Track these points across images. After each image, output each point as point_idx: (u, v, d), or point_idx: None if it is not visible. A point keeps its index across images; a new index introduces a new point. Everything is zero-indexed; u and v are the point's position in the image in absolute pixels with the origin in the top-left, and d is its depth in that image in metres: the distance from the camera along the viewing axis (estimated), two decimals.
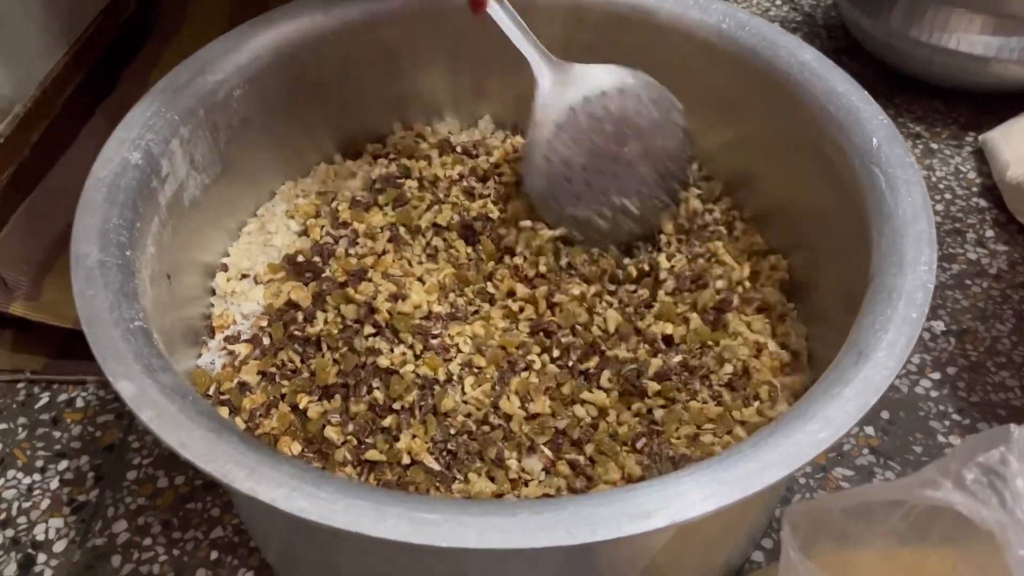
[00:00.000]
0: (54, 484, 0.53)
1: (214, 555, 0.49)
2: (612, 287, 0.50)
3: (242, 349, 0.48)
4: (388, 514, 0.29)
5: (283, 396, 0.46)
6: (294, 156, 0.56)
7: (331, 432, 0.43)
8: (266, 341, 0.47)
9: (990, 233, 0.68)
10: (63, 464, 0.54)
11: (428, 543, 0.28)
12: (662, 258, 0.51)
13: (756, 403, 0.45)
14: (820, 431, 0.32)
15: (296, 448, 0.44)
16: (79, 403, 0.56)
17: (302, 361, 0.46)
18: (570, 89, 0.48)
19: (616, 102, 0.49)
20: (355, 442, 0.43)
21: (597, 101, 0.48)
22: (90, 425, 0.55)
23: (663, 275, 0.50)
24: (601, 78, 0.49)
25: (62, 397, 0.57)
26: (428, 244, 0.52)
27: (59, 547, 0.50)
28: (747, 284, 0.51)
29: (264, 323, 0.48)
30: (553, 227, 0.50)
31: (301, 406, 0.44)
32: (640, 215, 0.52)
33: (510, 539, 0.29)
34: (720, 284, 0.50)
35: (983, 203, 0.70)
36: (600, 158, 0.49)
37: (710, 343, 0.47)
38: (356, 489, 0.31)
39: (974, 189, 0.72)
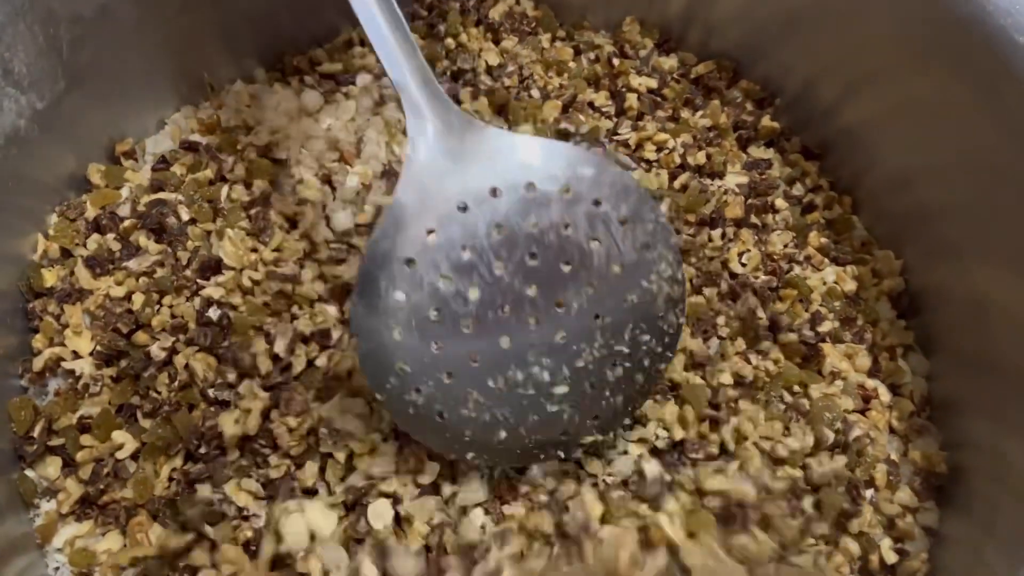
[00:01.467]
0: None
1: None
2: None
3: (86, 367, 0.31)
4: None
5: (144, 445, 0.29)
6: (191, 69, 0.39)
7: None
8: (123, 362, 0.31)
9: None
10: None
11: None
12: (732, 255, 0.35)
13: (871, 493, 0.29)
14: None
15: (155, 533, 0.28)
16: None
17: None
18: (470, 168, 0.28)
19: (553, 210, 0.28)
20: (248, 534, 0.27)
21: (516, 200, 0.27)
22: None
23: (726, 283, 0.33)
24: (532, 158, 0.28)
25: None
26: None
27: None
28: (846, 297, 0.35)
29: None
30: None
31: (162, 473, 0.28)
32: (573, 411, 0.29)
33: None
34: (814, 299, 0.34)
35: None
36: (506, 305, 0.28)
37: (797, 389, 0.31)
38: None
39: None
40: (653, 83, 0.41)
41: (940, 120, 0.34)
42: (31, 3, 0.31)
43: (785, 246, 0.37)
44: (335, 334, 0.32)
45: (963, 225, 0.34)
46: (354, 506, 0.28)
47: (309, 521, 0.28)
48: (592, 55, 0.42)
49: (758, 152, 0.40)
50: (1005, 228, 0.31)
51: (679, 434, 0.30)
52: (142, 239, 0.34)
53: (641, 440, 0.30)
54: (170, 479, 0.30)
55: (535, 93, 0.40)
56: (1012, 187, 0.31)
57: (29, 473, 0.31)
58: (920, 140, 0.36)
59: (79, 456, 0.30)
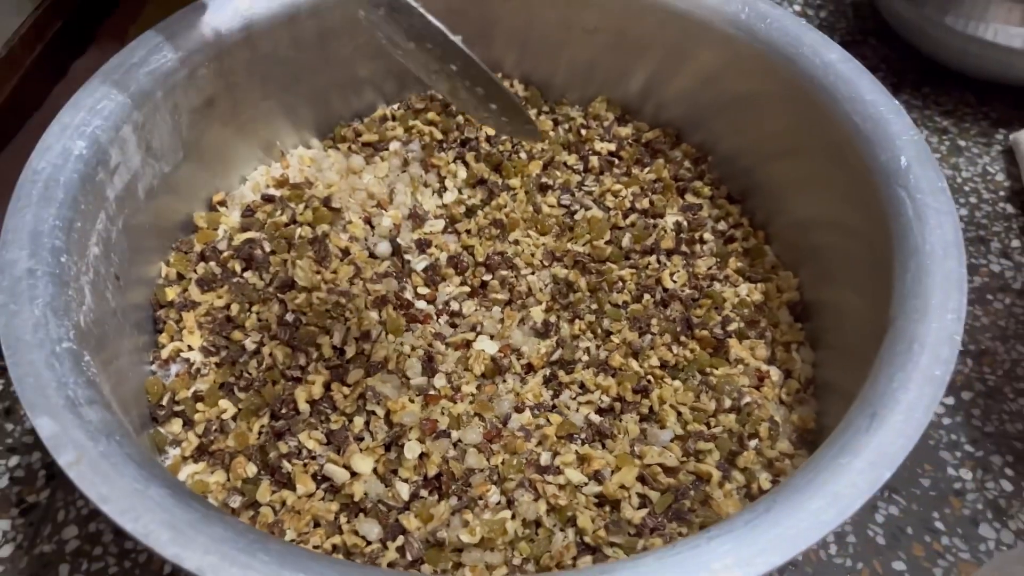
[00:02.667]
0: (3, 482, 0.49)
1: (167, 568, 0.46)
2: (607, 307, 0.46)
3: (197, 356, 0.44)
4: None
5: (240, 409, 0.42)
6: (268, 139, 0.52)
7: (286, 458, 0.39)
8: (224, 352, 0.43)
9: (1016, 243, 0.63)
10: (13, 460, 0.50)
11: None
12: (664, 275, 0.47)
13: (755, 441, 0.41)
14: (825, 509, 0.29)
15: (251, 470, 0.40)
16: None
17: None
18: None
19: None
20: (315, 468, 0.40)
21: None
22: None
23: (659, 295, 0.46)
24: None
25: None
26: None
27: (5, 552, 0.47)
28: (753, 306, 0.46)
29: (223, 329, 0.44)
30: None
31: (254, 428, 0.40)
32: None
33: None
34: (726, 306, 0.46)
35: (1010, 209, 0.66)
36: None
37: (708, 370, 0.43)
38: (294, 557, 0.27)
39: (1001, 193, 0.67)
40: (612, 147, 0.53)
41: (825, 187, 0.46)
42: (164, 99, 0.44)
43: (709, 268, 0.49)
44: (374, 333, 0.44)
45: (837, 259, 0.46)
46: (390, 447, 0.41)
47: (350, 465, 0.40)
48: (567, 125, 0.55)
49: (692, 198, 0.52)
50: (856, 265, 0.43)
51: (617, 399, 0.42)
52: (236, 266, 0.47)
53: (589, 403, 0.42)
54: (260, 432, 0.42)
55: (523, 155, 0.53)
56: (863, 240, 0.42)
57: (161, 430, 0.43)
58: (811, 196, 0.48)
59: (195, 417, 0.42)
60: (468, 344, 0.45)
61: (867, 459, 0.30)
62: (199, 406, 0.43)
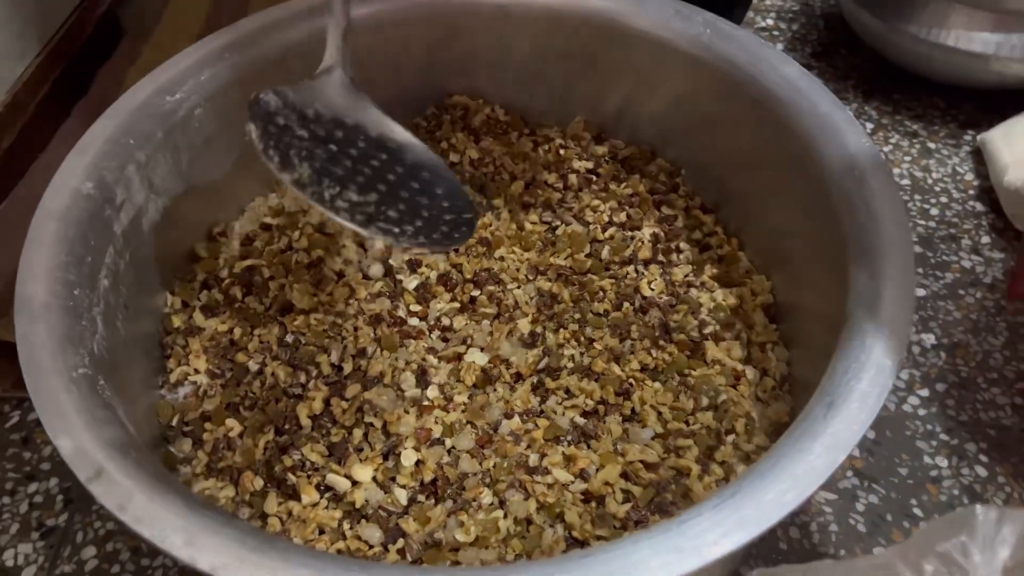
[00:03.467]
0: (23, 507, 0.52)
1: None
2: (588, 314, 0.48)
3: (204, 379, 0.46)
4: None
5: (246, 429, 0.44)
6: (263, 172, 0.55)
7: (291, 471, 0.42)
8: (229, 373, 0.46)
9: (986, 239, 0.66)
10: (32, 487, 0.53)
11: None
12: (643, 283, 0.50)
13: (732, 436, 0.44)
14: (787, 491, 0.31)
15: (259, 484, 0.43)
16: None
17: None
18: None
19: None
20: (319, 479, 0.42)
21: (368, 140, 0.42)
22: None
23: (638, 302, 0.48)
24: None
25: (32, 416, 0.56)
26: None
27: (28, 574, 0.49)
28: (729, 310, 0.49)
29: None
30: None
31: (259, 444, 0.43)
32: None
33: None
34: (702, 311, 0.48)
35: (980, 207, 0.68)
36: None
37: (687, 372, 0.46)
38: (299, 555, 0.30)
39: (971, 192, 0.69)
40: (590, 165, 0.56)
41: (789, 195, 0.48)
42: (164, 139, 0.47)
43: (685, 276, 0.51)
44: (369, 350, 0.47)
45: (804, 263, 0.48)
46: (387, 456, 0.43)
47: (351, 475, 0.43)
48: (547, 146, 0.58)
49: (667, 210, 0.55)
50: (819, 268, 0.46)
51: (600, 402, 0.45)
52: (237, 292, 0.50)
53: (574, 407, 0.45)
54: (265, 448, 0.44)
55: (505, 176, 0.56)
56: (823, 243, 0.44)
57: (172, 449, 0.45)
58: (778, 204, 0.50)
59: (204, 436, 0.44)
60: (459, 356, 0.47)
61: (824, 444, 0.32)
62: (207, 425, 0.45)
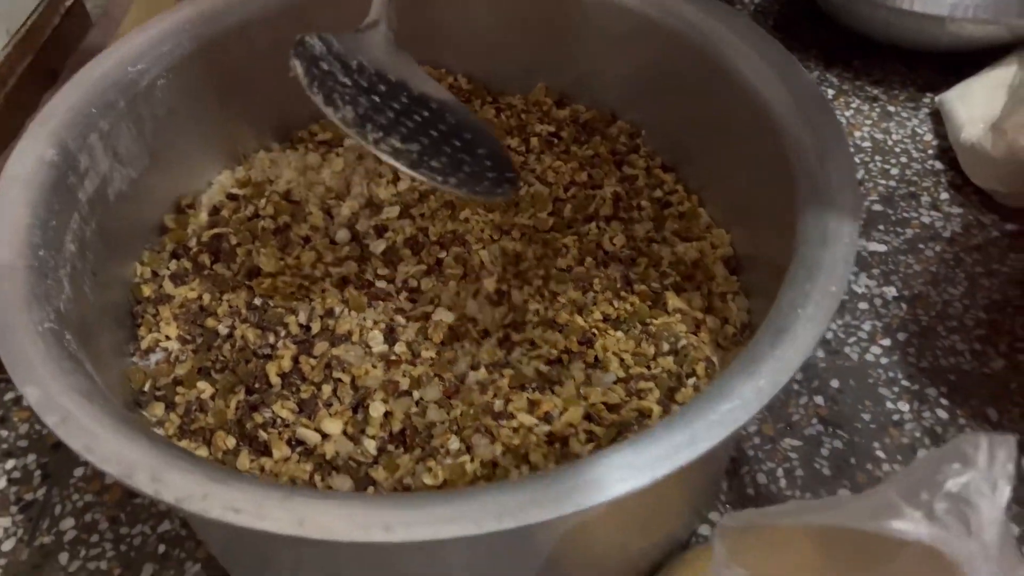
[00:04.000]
0: (1, 483, 0.52)
1: (161, 548, 0.49)
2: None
3: (175, 345, 0.47)
4: (281, 509, 0.29)
5: (217, 391, 0.45)
6: (230, 144, 0.55)
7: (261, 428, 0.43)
8: (199, 339, 0.47)
9: (944, 196, 0.67)
10: (10, 463, 0.53)
11: (323, 537, 0.28)
12: (604, 239, 0.51)
13: (693, 379, 0.45)
14: (735, 410, 0.32)
15: (231, 443, 0.44)
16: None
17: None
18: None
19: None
20: (290, 434, 0.43)
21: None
22: (37, 423, 0.55)
23: (600, 257, 0.49)
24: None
25: (9, 396, 0.56)
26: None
27: (7, 546, 0.50)
28: (690, 263, 0.50)
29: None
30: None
31: (231, 404, 0.44)
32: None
33: (415, 532, 0.29)
34: (663, 264, 0.49)
35: (939, 165, 0.70)
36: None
37: (648, 321, 0.47)
38: (264, 486, 0.30)
39: (930, 152, 0.71)
40: (552, 128, 0.57)
41: (748, 151, 0.49)
42: (128, 111, 0.48)
43: (647, 232, 0.52)
44: (337, 310, 0.48)
45: (762, 215, 0.49)
46: (356, 409, 0.44)
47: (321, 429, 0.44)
48: (508, 112, 0.59)
49: (628, 170, 0.56)
50: (775, 218, 0.47)
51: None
52: (206, 259, 0.50)
53: (539, 356, 0.46)
54: (236, 408, 0.45)
55: None
56: (777, 193, 0.45)
57: (144, 413, 0.46)
58: (736, 159, 0.51)
59: (176, 399, 0.45)
60: (427, 316, 0.48)
61: (771, 367, 0.33)
62: (179, 389, 0.46)
